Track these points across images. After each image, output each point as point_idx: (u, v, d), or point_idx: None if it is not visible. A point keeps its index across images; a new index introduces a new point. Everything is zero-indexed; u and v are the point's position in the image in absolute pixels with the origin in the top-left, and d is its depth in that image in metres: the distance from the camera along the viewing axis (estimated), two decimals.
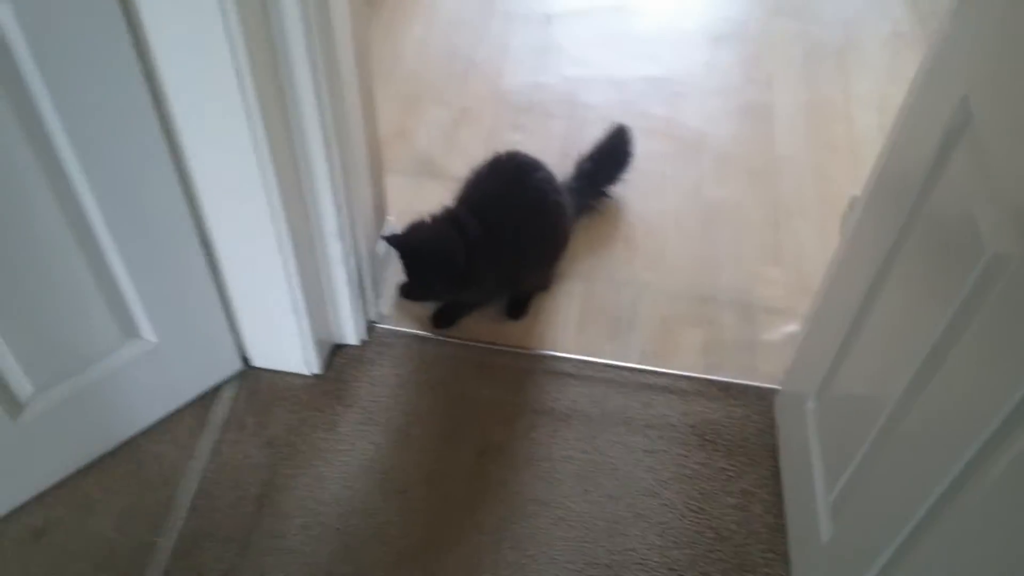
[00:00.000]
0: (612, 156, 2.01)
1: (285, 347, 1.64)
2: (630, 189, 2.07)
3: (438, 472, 1.57)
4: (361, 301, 1.69)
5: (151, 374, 1.53)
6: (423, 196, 1.84)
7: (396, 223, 1.83)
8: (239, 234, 1.44)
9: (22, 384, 1.37)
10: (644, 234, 1.99)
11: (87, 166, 1.21)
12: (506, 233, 1.66)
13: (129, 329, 1.46)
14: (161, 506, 1.51)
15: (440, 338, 1.78)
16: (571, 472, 1.57)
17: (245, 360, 1.70)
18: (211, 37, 1.15)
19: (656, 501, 1.53)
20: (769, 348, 1.76)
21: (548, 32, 2.54)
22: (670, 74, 2.41)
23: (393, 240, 1.67)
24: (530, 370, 1.72)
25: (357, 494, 1.53)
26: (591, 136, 2.02)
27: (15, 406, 1.38)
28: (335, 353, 1.74)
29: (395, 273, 1.77)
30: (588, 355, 1.75)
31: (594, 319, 1.82)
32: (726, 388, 1.69)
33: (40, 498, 1.51)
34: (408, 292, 1.69)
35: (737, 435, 1.62)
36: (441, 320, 1.79)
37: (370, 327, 1.78)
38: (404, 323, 1.80)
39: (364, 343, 1.76)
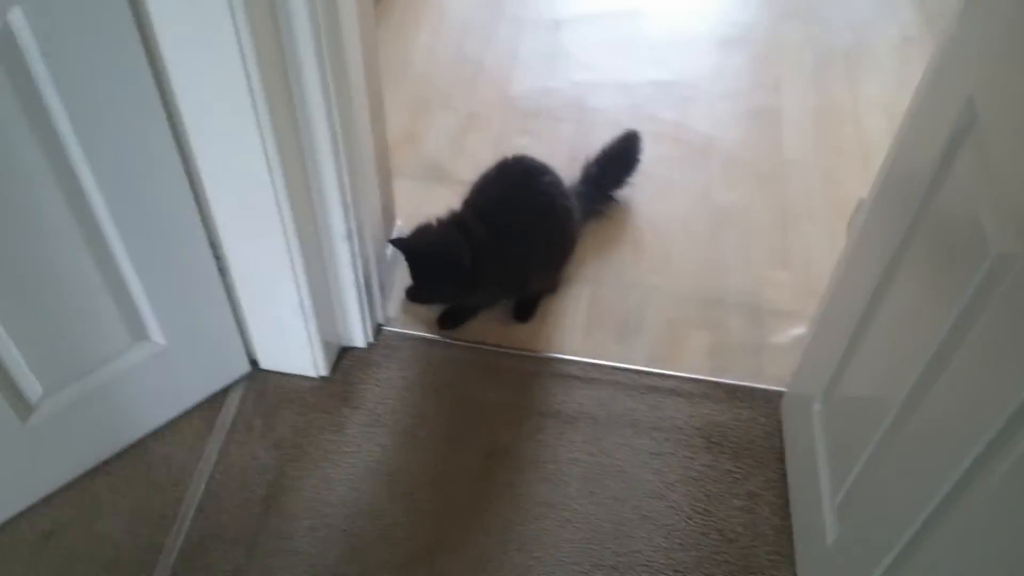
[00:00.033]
0: (620, 160, 2.02)
1: (292, 349, 1.65)
2: (638, 193, 2.07)
3: (444, 474, 1.57)
4: (368, 304, 1.70)
5: (159, 376, 1.54)
6: (431, 200, 1.85)
7: (404, 227, 1.83)
8: (247, 236, 1.45)
9: (32, 386, 1.38)
10: (652, 237, 1.99)
11: (96, 167, 1.22)
12: (512, 237, 1.66)
13: (138, 331, 1.47)
14: (169, 508, 1.52)
15: (447, 341, 1.78)
16: (577, 474, 1.57)
17: (253, 362, 1.71)
18: (220, 41, 1.15)
19: (662, 503, 1.53)
20: (776, 351, 1.75)
21: (557, 37, 2.55)
22: (678, 78, 2.41)
23: (399, 243, 1.68)
24: (537, 373, 1.73)
25: (364, 496, 1.54)
26: (599, 140, 2.02)
27: (25, 408, 1.39)
28: (342, 355, 1.74)
29: (403, 276, 1.77)
30: (595, 358, 1.75)
31: (601, 322, 1.82)
32: (733, 391, 1.69)
33: (49, 500, 1.52)
34: (414, 295, 1.70)
35: (744, 437, 1.62)
36: (448, 322, 1.79)
37: (377, 330, 1.78)
38: (411, 326, 1.80)
39: (371, 345, 1.76)
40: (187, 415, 1.64)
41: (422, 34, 2.54)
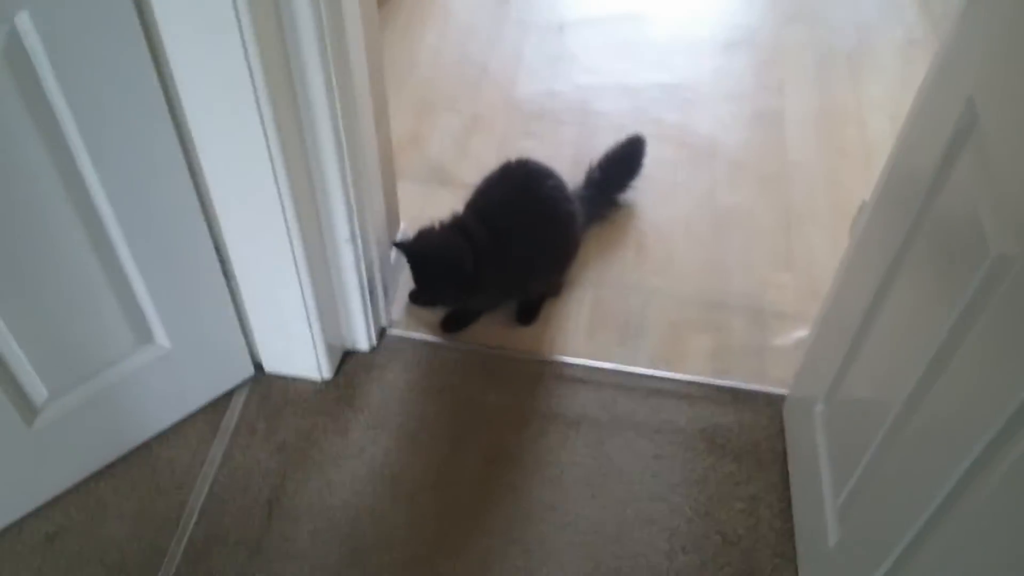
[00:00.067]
0: (624, 164, 2.02)
1: (296, 352, 1.65)
2: (642, 195, 2.07)
3: (447, 477, 1.58)
4: (372, 307, 1.70)
5: (164, 379, 1.55)
6: (435, 203, 1.85)
7: (408, 229, 1.84)
8: (252, 240, 1.45)
9: (37, 389, 1.39)
10: (655, 240, 1.99)
11: (102, 170, 1.23)
12: (515, 240, 1.67)
13: (143, 335, 1.47)
14: (173, 511, 1.52)
15: (450, 344, 1.78)
16: (579, 477, 1.57)
17: (257, 365, 1.71)
18: (225, 43, 1.16)
19: (664, 506, 1.53)
20: (779, 353, 1.75)
21: (561, 40, 2.55)
22: (682, 81, 2.41)
23: (401, 246, 1.69)
24: (539, 375, 1.73)
25: (366, 499, 1.54)
26: (603, 143, 2.03)
27: (30, 411, 1.40)
28: (346, 358, 1.75)
29: (406, 279, 1.78)
30: (597, 360, 1.75)
31: (604, 324, 1.82)
32: (735, 393, 1.69)
33: (53, 502, 1.52)
34: (416, 298, 1.70)
35: (746, 440, 1.61)
36: (451, 325, 1.80)
37: (381, 333, 1.79)
38: (414, 329, 1.81)
39: (374, 348, 1.76)
40: (191, 418, 1.64)
41: (427, 37, 2.55)
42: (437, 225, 1.68)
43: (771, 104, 2.35)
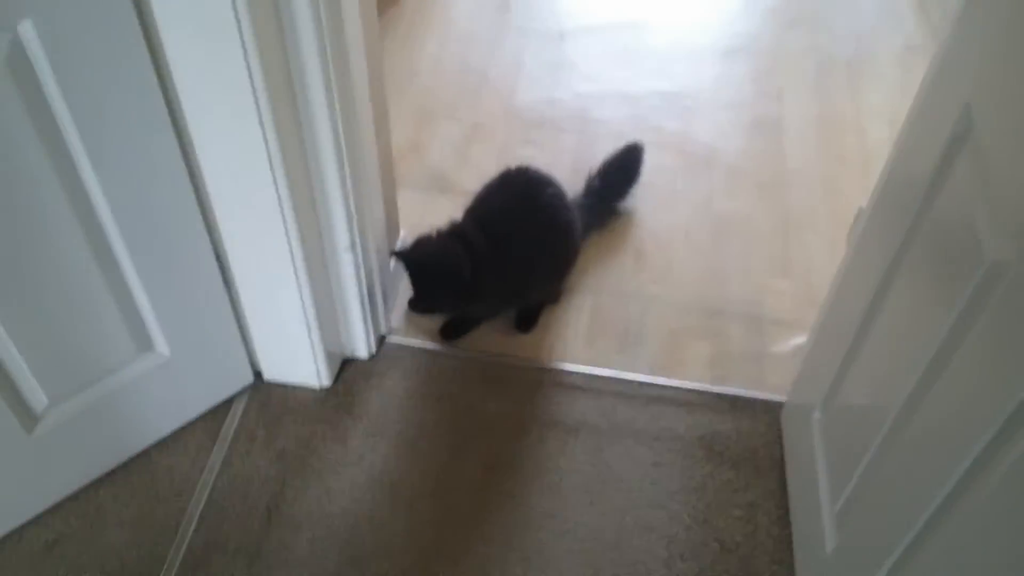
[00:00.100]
0: (622, 172, 2.03)
1: (296, 360, 1.66)
2: (641, 203, 2.07)
3: (446, 484, 1.58)
4: (371, 315, 1.70)
5: (164, 387, 1.55)
6: (435, 211, 1.85)
7: (408, 237, 1.84)
8: (252, 248, 1.46)
9: (37, 397, 1.39)
10: (654, 247, 2.00)
11: (103, 177, 1.23)
12: (513, 247, 1.67)
13: (143, 342, 1.48)
14: (172, 518, 1.53)
15: (449, 351, 1.79)
16: (578, 484, 1.57)
17: (256, 373, 1.71)
18: (225, 51, 1.17)
19: (663, 513, 1.53)
20: (777, 360, 1.75)
21: (561, 48, 2.56)
22: (681, 89, 2.42)
23: (399, 254, 1.69)
24: (539, 383, 1.73)
25: (365, 506, 1.54)
26: (602, 151, 2.03)
27: (30, 419, 1.40)
28: (345, 366, 1.75)
29: (406, 287, 1.78)
30: (596, 368, 1.75)
31: (603, 332, 1.82)
32: (734, 400, 1.69)
33: (53, 510, 1.53)
34: (415, 305, 1.71)
35: (744, 447, 1.62)
36: (450, 333, 1.80)
37: (380, 340, 1.79)
38: (413, 336, 1.81)
39: (374, 356, 1.77)
40: (191, 426, 1.65)
41: (427, 45, 2.56)
42: (435, 233, 1.68)
43: (770, 112, 2.35)
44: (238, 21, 1.13)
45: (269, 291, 1.52)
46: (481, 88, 2.42)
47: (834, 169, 2.18)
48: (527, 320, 1.83)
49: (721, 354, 1.78)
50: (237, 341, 1.62)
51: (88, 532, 1.51)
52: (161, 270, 1.40)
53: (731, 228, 2.04)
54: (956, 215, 0.98)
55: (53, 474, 1.51)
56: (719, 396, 1.70)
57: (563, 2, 2.74)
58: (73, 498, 1.54)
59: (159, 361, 1.51)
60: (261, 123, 1.25)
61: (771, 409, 1.67)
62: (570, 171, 2.01)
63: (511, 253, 1.66)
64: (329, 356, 1.67)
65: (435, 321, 1.81)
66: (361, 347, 1.74)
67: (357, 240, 1.54)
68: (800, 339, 1.77)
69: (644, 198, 2.07)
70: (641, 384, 1.72)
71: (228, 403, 1.68)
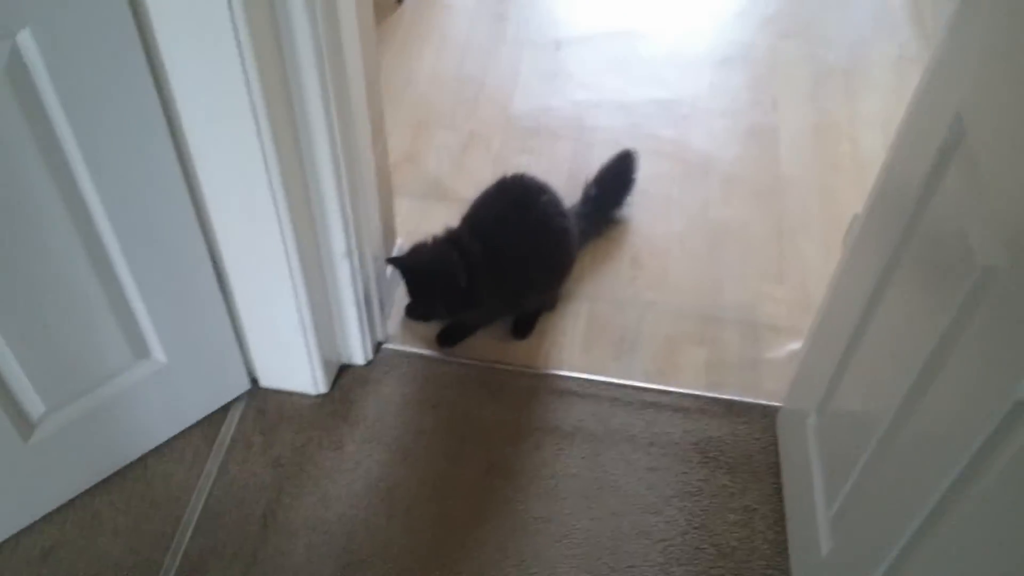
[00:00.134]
0: (616, 180, 2.03)
1: (293, 367, 1.66)
2: (637, 210, 2.08)
3: (442, 490, 1.58)
4: (368, 321, 1.71)
5: (161, 394, 1.55)
6: (432, 218, 1.86)
7: (405, 245, 1.85)
8: (249, 255, 1.46)
9: (34, 404, 1.39)
10: (649, 254, 2.00)
11: (100, 185, 1.24)
12: (509, 254, 1.68)
13: (140, 349, 1.48)
14: (169, 525, 1.53)
15: (445, 358, 1.79)
16: (575, 489, 1.57)
17: (253, 380, 1.72)
18: (223, 60, 1.17)
19: (659, 518, 1.53)
20: (772, 366, 1.76)
21: (557, 58, 2.57)
22: (677, 97, 2.43)
23: (394, 261, 1.70)
24: (535, 389, 1.73)
25: (362, 512, 1.54)
26: (598, 159, 2.04)
27: (27, 426, 1.40)
28: (342, 373, 1.75)
29: (402, 293, 1.79)
30: (593, 374, 1.76)
31: (599, 338, 1.83)
32: (729, 406, 1.69)
33: (49, 517, 1.53)
34: (412, 312, 1.71)
35: (740, 452, 1.62)
36: (446, 340, 1.80)
37: (377, 347, 1.79)
38: (410, 343, 1.81)
39: (370, 363, 1.77)
40: (187, 433, 1.65)
41: (424, 54, 2.57)
42: (432, 240, 1.69)
43: (765, 119, 2.36)
44: (235, 30, 1.14)
45: (266, 298, 1.53)
46: (478, 97, 2.43)
47: (829, 177, 2.19)
48: (523, 327, 1.83)
49: (717, 360, 1.78)
50: (234, 348, 1.62)
51: (84, 539, 1.51)
52: (158, 277, 1.40)
53: (727, 235, 2.05)
54: (948, 222, 0.99)
55: (49, 481, 1.51)
56: (715, 401, 1.70)
57: (559, 11, 2.75)
58: (69, 505, 1.54)
59: (156, 368, 1.51)
60: (258, 131, 1.26)
61: (767, 414, 1.67)
62: (566, 179, 2.02)
63: (507, 260, 1.67)
64: (325, 363, 1.67)
65: (431, 328, 1.82)
66: (357, 354, 1.75)
67: (354, 247, 1.55)
68: (795, 345, 1.78)
69: (640, 205, 2.08)
70: (637, 390, 1.73)
71: (224, 410, 1.68)
